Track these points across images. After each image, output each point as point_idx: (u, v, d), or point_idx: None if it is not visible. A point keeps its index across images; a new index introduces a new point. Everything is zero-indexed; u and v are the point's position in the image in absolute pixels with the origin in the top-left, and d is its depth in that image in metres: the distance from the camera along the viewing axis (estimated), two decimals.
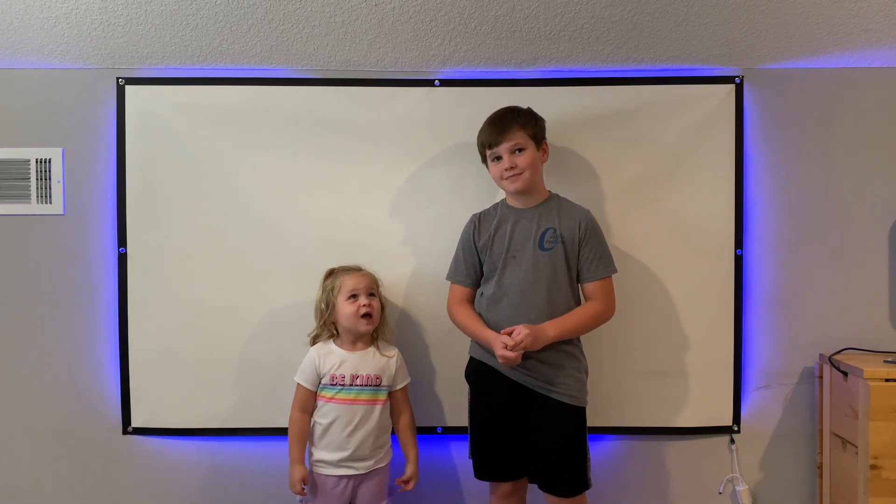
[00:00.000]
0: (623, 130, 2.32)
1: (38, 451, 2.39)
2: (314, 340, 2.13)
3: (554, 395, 1.96)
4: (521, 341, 1.87)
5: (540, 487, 2.00)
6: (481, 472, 2.07)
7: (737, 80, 2.32)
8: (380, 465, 2.07)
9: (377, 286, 2.12)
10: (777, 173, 2.36)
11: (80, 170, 2.36)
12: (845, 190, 2.36)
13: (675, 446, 2.38)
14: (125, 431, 2.35)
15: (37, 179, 2.36)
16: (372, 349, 2.09)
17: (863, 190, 2.35)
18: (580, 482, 1.97)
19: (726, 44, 2.25)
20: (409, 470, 2.11)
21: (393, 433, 2.15)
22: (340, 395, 2.04)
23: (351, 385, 2.04)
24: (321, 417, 2.06)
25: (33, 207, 2.36)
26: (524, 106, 2.09)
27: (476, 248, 2.08)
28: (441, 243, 2.28)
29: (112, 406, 2.36)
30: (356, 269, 2.12)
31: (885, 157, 2.35)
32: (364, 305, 2.04)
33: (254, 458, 2.36)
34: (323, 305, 2.09)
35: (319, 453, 2.05)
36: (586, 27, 2.17)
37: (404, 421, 2.14)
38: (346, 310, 2.04)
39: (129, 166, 2.32)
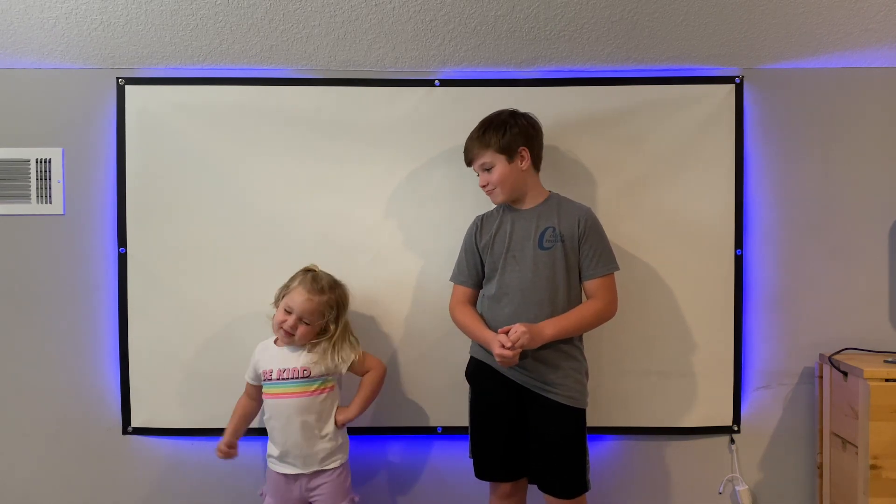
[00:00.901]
0: (623, 130, 2.32)
1: (38, 451, 2.39)
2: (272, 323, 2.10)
3: (553, 397, 1.96)
4: (518, 339, 1.87)
5: (539, 488, 2.00)
6: (481, 472, 2.07)
7: (737, 80, 2.32)
8: (329, 466, 2.05)
9: (323, 316, 2.03)
10: (777, 173, 2.36)
11: (80, 170, 2.36)
12: (845, 190, 2.36)
13: (675, 446, 2.38)
14: (125, 431, 2.35)
15: (37, 179, 2.36)
16: (301, 347, 2.06)
17: (863, 190, 2.35)
18: (579, 484, 1.97)
19: (726, 44, 2.25)
20: (341, 410, 2.07)
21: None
22: (269, 390, 2.06)
23: (278, 379, 2.04)
24: (265, 414, 2.09)
25: (33, 207, 2.36)
26: (524, 107, 2.09)
27: (478, 248, 2.09)
28: (441, 243, 2.28)
29: (112, 406, 2.36)
30: (317, 289, 2.02)
31: (885, 157, 2.35)
32: (289, 325, 2.00)
33: (253, 458, 2.36)
34: (277, 294, 2.09)
35: (269, 449, 2.08)
36: (586, 27, 2.18)
37: (366, 376, 2.12)
38: (278, 315, 2.04)
39: (129, 166, 2.33)
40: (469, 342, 2.12)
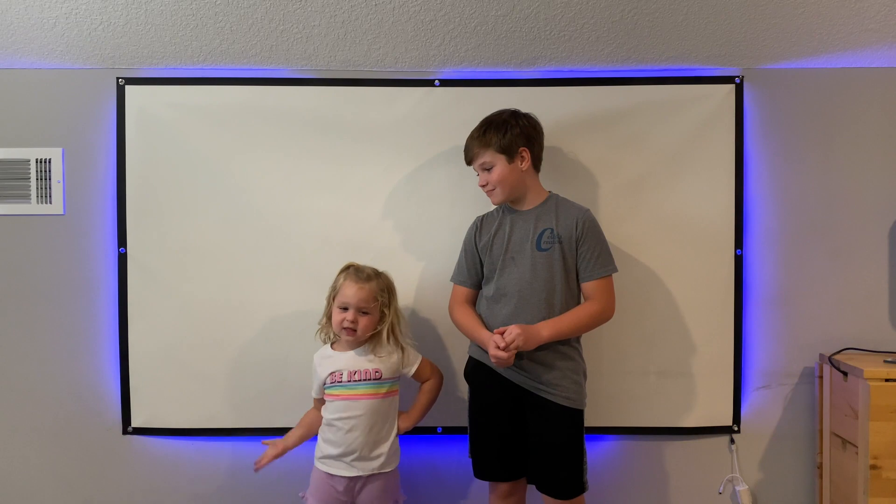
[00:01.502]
0: (623, 130, 2.32)
1: (38, 451, 2.39)
2: (321, 330, 2.11)
3: (550, 397, 1.96)
4: (513, 341, 1.87)
5: (538, 488, 2.00)
6: (480, 472, 2.07)
7: (737, 80, 2.32)
8: (383, 470, 2.04)
9: (377, 300, 2.03)
10: (777, 173, 2.36)
11: (80, 170, 2.36)
12: (845, 190, 2.36)
13: (675, 446, 2.38)
14: (125, 431, 2.35)
15: (37, 179, 2.36)
16: (366, 348, 2.07)
17: (863, 190, 2.35)
18: (576, 485, 1.97)
19: (726, 44, 2.25)
20: (401, 416, 2.11)
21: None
22: (338, 391, 2.04)
23: (349, 381, 2.04)
24: (327, 413, 2.06)
25: (33, 207, 2.36)
26: (523, 107, 2.09)
27: (477, 249, 2.09)
28: (441, 243, 2.28)
29: (112, 406, 2.36)
30: (363, 279, 2.03)
31: (885, 157, 2.35)
32: (349, 320, 2.00)
33: (253, 458, 2.36)
34: (327, 301, 2.08)
35: (322, 448, 2.06)
36: (586, 27, 2.18)
37: (424, 385, 2.14)
38: (335, 317, 2.04)
39: (129, 166, 2.33)
40: (468, 342, 2.12)
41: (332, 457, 2.03)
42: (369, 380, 2.03)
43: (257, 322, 2.32)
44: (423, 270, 2.33)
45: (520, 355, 1.93)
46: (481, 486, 2.12)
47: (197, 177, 2.33)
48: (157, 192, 2.33)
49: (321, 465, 2.05)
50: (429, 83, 2.34)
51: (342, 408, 2.03)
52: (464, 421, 2.12)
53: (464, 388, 2.13)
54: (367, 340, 2.07)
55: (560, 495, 1.96)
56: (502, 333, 1.90)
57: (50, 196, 2.36)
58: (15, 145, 2.35)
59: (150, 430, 2.35)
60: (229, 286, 2.32)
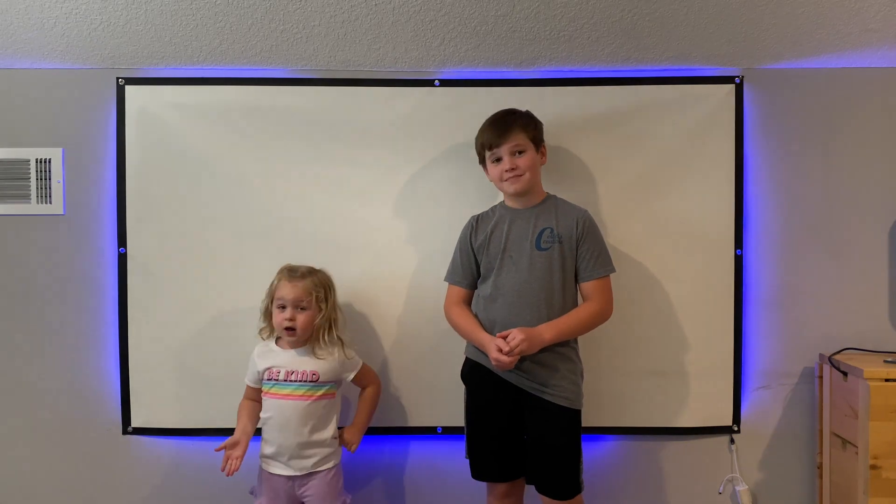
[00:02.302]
0: (623, 131, 2.32)
1: (38, 451, 2.39)
2: (261, 333, 2.13)
3: (548, 398, 1.95)
4: (517, 346, 1.87)
5: (536, 489, 2.00)
6: (477, 473, 2.07)
7: (737, 80, 2.32)
8: (321, 468, 2.05)
9: (311, 294, 2.04)
10: (777, 173, 2.36)
11: (80, 170, 2.36)
12: (845, 190, 2.36)
13: (675, 446, 2.38)
14: (125, 431, 2.35)
15: (37, 179, 2.36)
16: (307, 348, 2.08)
17: (863, 190, 2.35)
18: (572, 485, 1.97)
19: (726, 44, 2.25)
20: (346, 429, 2.12)
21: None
22: (275, 391, 2.05)
23: (286, 380, 2.05)
24: (263, 412, 2.08)
25: (33, 207, 2.36)
26: (523, 107, 2.10)
27: (472, 249, 2.08)
28: (441, 243, 2.28)
29: (112, 406, 2.36)
30: (297, 277, 2.05)
31: (885, 157, 2.35)
32: (287, 319, 2.02)
33: (253, 458, 2.36)
34: (264, 304, 2.10)
35: (263, 448, 2.07)
36: (586, 27, 2.17)
37: (366, 393, 2.17)
38: (276, 318, 2.06)
39: (129, 166, 2.33)
40: (465, 342, 2.12)
41: (268, 455, 2.06)
42: (305, 381, 2.04)
43: (257, 322, 2.31)
44: (423, 270, 2.33)
45: (520, 357, 1.93)
46: (481, 487, 2.12)
47: (197, 177, 2.33)
48: (157, 192, 2.33)
49: (262, 463, 2.08)
50: (429, 83, 2.34)
51: (274, 406, 2.05)
52: (463, 421, 2.12)
53: (462, 389, 2.12)
54: (307, 340, 2.08)
55: (559, 496, 1.96)
56: (505, 337, 1.90)
57: (50, 196, 2.36)
58: (15, 145, 2.35)
59: (150, 430, 2.35)
60: (229, 286, 2.32)
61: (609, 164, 2.32)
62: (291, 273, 2.08)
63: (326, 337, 2.07)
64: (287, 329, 2.03)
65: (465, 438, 2.10)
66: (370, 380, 2.19)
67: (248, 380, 2.13)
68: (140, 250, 2.33)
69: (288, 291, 2.04)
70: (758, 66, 2.34)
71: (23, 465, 2.39)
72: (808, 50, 2.27)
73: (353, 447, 2.13)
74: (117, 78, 2.33)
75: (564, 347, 1.98)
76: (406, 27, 2.18)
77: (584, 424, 2.03)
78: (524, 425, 2.01)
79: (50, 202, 2.36)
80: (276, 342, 2.12)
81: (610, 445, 2.39)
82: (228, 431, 2.31)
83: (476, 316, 2.07)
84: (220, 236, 2.33)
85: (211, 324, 2.33)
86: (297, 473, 2.04)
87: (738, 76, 2.33)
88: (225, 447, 2.01)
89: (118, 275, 2.33)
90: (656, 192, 2.32)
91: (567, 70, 2.35)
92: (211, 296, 2.33)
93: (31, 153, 2.35)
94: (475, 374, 2.06)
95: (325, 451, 2.06)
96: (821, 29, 2.18)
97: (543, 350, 1.94)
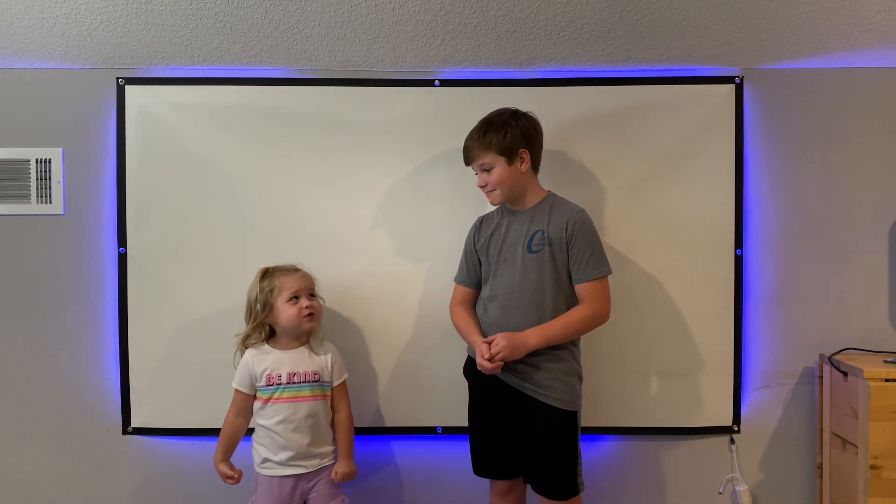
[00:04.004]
0: (623, 131, 2.32)
1: (38, 450, 2.39)
2: (245, 341, 2.10)
3: (543, 399, 1.95)
4: (498, 353, 1.88)
5: (533, 489, 2.00)
6: (477, 468, 2.08)
7: (737, 80, 2.32)
8: (327, 464, 2.08)
9: (315, 286, 2.12)
10: (777, 173, 2.36)
11: (80, 170, 2.36)
12: (845, 190, 2.36)
13: (675, 446, 2.38)
14: (125, 431, 2.35)
15: (37, 179, 2.36)
16: (305, 348, 2.09)
17: (863, 190, 2.35)
18: (570, 486, 1.96)
19: (726, 44, 2.25)
20: (338, 465, 2.08)
21: None
22: (279, 395, 2.04)
23: (289, 383, 2.05)
24: (264, 420, 2.05)
25: (33, 207, 2.36)
26: (523, 107, 2.09)
27: (476, 249, 2.09)
28: (441, 243, 2.28)
29: (112, 406, 2.36)
30: (293, 270, 2.10)
31: (885, 158, 2.35)
32: (307, 307, 2.04)
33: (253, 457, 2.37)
34: (259, 307, 2.06)
35: (266, 454, 2.05)
36: (586, 27, 2.17)
37: (340, 417, 2.12)
38: (287, 312, 2.04)
39: (129, 166, 2.33)
40: None
41: (275, 461, 2.04)
42: (308, 381, 2.05)
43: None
44: (422, 270, 2.33)
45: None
46: (481, 487, 2.12)
47: (197, 176, 2.33)
48: (158, 192, 2.33)
49: (264, 471, 2.06)
50: (429, 83, 2.34)
51: (283, 410, 2.03)
52: (465, 421, 2.13)
53: (465, 388, 2.12)
54: (306, 339, 2.10)
55: (554, 496, 1.96)
56: (490, 343, 1.90)
57: (50, 196, 2.36)
58: (15, 145, 2.35)
59: (150, 430, 2.36)
60: (229, 286, 2.32)
61: (609, 164, 2.32)
62: (284, 269, 2.10)
63: (320, 331, 2.12)
64: (308, 316, 2.04)
65: (467, 438, 2.11)
66: (344, 398, 2.14)
67: (241, 385, 2.07)
68: (140, 250, 2.33)
69: (298, 282, 2.06)
70: (758, 66, 2.34)
71: (23, 465, 2.39)
72: (808, 50, 2.27)
73: (346, 477, 2.08)
74: (117, 78, 2.33)
75: (558, 349, 1.97)
76: (406, 27, 2.18)
77: (584, 424, 2.03)
78: (521, 424, 2.01)
79: (50, 202, 2.36)
80: (269, 343, 2.10)
81: (610, 445, 2.39)
82: None
83: (479, 316, 2.07)
84: (220, 236, 2.33)
85: (211, 324, 2.32)
86: (307, 471, 2.04)
87: (738, 76, 2.33)
88: (230, 476, 2.05)
89: (118, 275, 2.33)
90: (656, 192, 2.32)
91: (567, 70, 2.35)
92: (211, 296, 2.33)
93: (31, 153, 2.35)
94: (474, 371, 2.06)
95: (330, 448, 2.09)
96: (821, 29, 2.18)
97: (537, 352, 1.93)
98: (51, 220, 2.37)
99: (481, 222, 2.12)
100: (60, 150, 2.36)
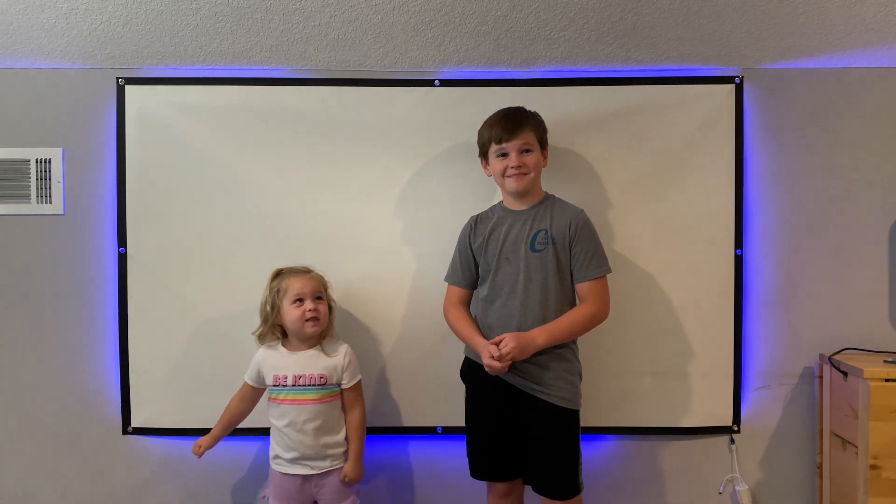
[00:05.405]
0: (623, 131, 2.32)
1: (38, 450, 2.39)
2: (260, 339, 2.12)
3: (544, 398, 1.95)
4: (508, 353, 1.88)
5: (533, 489, 2.00)
6: (475, 472, 2.08)
7: (737, 80, 2.32)
8: (337, 466, 2.08)
9: (325, 288, 2.11)
10: (777, 173, 2.36)
11: (80, 170, 2.36)
12: (845, 190, 2.36)
13: (675, 446, 2.38)
14: (125, 431, 2.35)
15: (37, 179, 2.36)
16: (316, 350, 2.09)
17: (863, 190, 2.35)
18: (571, 486, 1.96)
19: (726, 44, 2.25)
20: (346, 467, 2.08)
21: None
22: (284, 396, 2.05)
23: (294, 385, 2.05)
24: (274, 419, 2.08)
25: (33, 207, 2.36)
26: (525, 106, 2.09)
27: (471, 249, 2.09)
28: (441, 243, 2.28)
29: (112, 406, 2.36)
30: (304, 272, 2.10)
31: (885, 157, 2.35)
32: (310, 310, 2.04)
33: (254, 457, 2.37)
34: (268, 307, 2.08)
35: (277, 451, 2.07)
36: (586, 27, 2.17)
37: (352, 418, 2.11)
38: (291, 314, 2.04)
39: (129, 166, 2.33)
40: None
41: (285, 459, 2.06)
42: (314, 385, 2.05)
43: (257, 322, 2.31)
44: (423, 270, 2.33)
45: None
46: (481, 486, 2.12)
47: (197, 176, 2.33)
48: (157, 192, 2.33)
49: (276, 466, 2.08)
50: (429, 83, 2.34)
51: (287, 412, 2.04)
52: (463, 421, 2.12)
53: (463, 389, 2.12)
54: (319, 340, 2.10)
55: (555, 496, 1.96)
56: (498, 343, 1.90)
57: (50, 196, 2.36)
58: (15, 145, 2.35)
59: (150, 430, 2.36)
60: (229, 286, 2.32)
61: (609, 165, 2.32)
62: (294, 270, 2.10)
63: (332, 329, 2.11)
64: (310, 320, 2.03)
65: (465, 438, 2.11)
66: (358, 400, 2.13)
67: (249, 378, 2.13)
68: (140, 250, 2.33)
69: (304, 285, 2.05)
70: (758, 66, 2.34)
71: (23, 465, 2.39)
72: (808, 50, 2.27)
73: (353, 479, 2.09)
74: (117, 78, 2.33)
75: (561, 348, 1.98)
76: (406, 27, 2.18)
77: (583, 424, 2.03)
78: (521, 425, 2.01)
79: (50, 202, 2.36)
80: (283, 345, 2.11)
81: (610, 445, 2.39)
82: None
83: (475, 317, 2.07)
84: (220, 236, 2.33)
85: (211, 324, 2.32)
86: (315, 472, 2.05)
87: (738, 76, 2.33)
88: (194, 450, 2.13)
89: (118, 275, 2.33)
90: (656, 192, 2.32)
91: (567, 70, 2.35)
92: (211, 296, 2.33)
93: (31, 153, 2.35)
94: (473, 373, 2.06)
95: (340, 449, 2.09)
96: (821, 29, 2.18)
97: (541, 351, 1.93)
98: (51, 220, 2.37)
99: (476, 221, 2.11)
100: (60, 150, 2.36)
